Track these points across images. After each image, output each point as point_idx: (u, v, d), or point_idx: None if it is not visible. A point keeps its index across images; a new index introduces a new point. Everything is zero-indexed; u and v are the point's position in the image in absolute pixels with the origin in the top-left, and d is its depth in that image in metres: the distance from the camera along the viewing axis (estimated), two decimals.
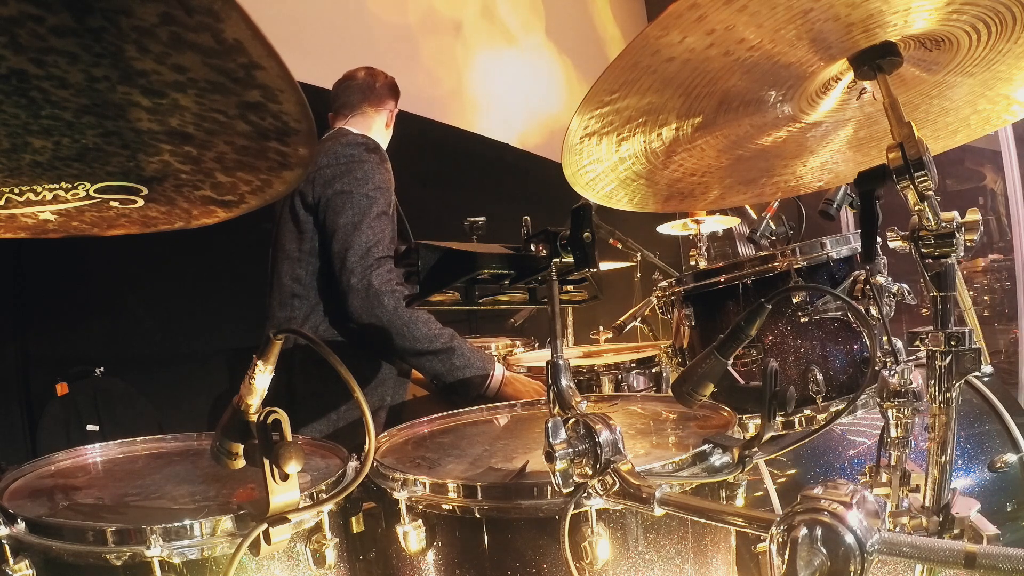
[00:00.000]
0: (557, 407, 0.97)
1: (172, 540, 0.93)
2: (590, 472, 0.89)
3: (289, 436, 0.93)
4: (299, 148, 0.78)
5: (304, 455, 0.93)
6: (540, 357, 2.63)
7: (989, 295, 5.12)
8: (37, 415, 2.64)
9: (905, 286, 1.40)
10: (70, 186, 0.83)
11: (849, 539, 0.60)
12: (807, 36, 0.94)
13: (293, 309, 2.11)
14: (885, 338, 1.27)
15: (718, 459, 1.09)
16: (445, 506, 1.05)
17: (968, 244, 0.94)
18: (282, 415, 0.93)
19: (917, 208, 0.93)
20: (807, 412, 1.47)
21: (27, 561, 0.94)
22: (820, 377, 1.46)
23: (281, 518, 0.93)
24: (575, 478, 0.91)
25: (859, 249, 1.47)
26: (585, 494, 0.94)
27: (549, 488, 0.99)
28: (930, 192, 0.92)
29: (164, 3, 0.53)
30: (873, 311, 1.37)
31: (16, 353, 2.62)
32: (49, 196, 0.85)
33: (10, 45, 0.56)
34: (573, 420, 0.91)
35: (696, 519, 1.04)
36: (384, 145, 2.29)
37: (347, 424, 2.03)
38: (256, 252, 2.26)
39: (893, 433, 1.09)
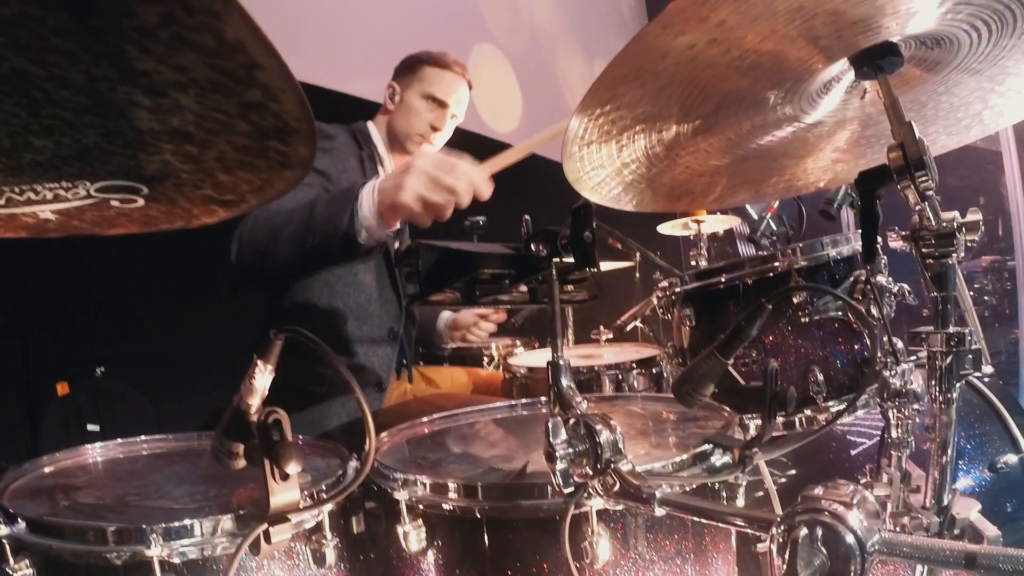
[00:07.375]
0: (557, 407, 0.97)
1: (172, 540, 0.92)
2: (590, 472, 0.89)
3: (289, 436, 0.93)
4: (299, 147, 0.78)
5: (304, 455, 0.93)
6: (540, 357, 2.63)
7: (989, 295, 5.12)
8: (37, 415, 2.64)
9: (906, 286, 1.40)
10: (70, 185, 0.83)
11: (849, 539, 0.60)
12: (807, 35, 0.94)
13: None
14: (886, 338, 1.26)
15: (718, 459, 1.09)
16: (445, 506, 1.05)
17: (968, 244, 0.94)
18: (282, 415, 0.93)
19: (918, 208, 0.93)
20: (807, 412, 1.47)
21: (27, 561, 0.94)
22: (820, 377, 1.45)
23: (281, 518, 0.93)
24: (575, 478, 0.91)
25: (859, 249, 1.47)
26: (585, 494, 0.94)
27: (549, 488, 0.99)
28: (931, 192, 0.92)
29: (165, 3, 0.53)
30: (873, 311, 1.37)
31: (16, 353, 2.62)
32: (49, 195, 0.85)
33: (11, 45, 0.56)
34: (573, 420, 0.91)
35: (696, 519, 1.04)
36: (401, 124, 2.11)
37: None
38: None
39: (894, 433, 1.09)
